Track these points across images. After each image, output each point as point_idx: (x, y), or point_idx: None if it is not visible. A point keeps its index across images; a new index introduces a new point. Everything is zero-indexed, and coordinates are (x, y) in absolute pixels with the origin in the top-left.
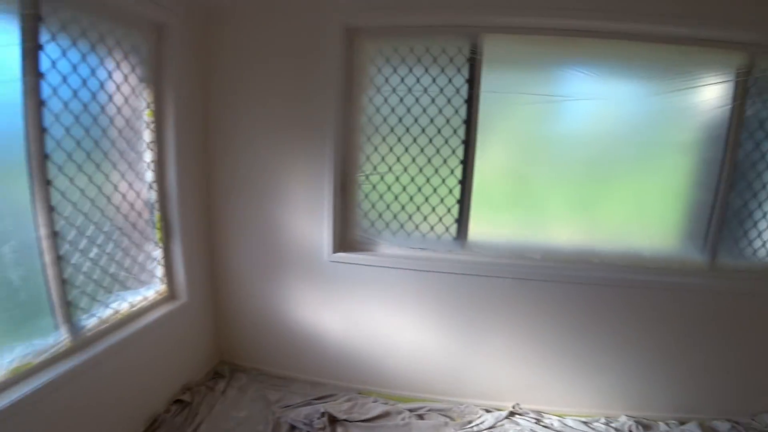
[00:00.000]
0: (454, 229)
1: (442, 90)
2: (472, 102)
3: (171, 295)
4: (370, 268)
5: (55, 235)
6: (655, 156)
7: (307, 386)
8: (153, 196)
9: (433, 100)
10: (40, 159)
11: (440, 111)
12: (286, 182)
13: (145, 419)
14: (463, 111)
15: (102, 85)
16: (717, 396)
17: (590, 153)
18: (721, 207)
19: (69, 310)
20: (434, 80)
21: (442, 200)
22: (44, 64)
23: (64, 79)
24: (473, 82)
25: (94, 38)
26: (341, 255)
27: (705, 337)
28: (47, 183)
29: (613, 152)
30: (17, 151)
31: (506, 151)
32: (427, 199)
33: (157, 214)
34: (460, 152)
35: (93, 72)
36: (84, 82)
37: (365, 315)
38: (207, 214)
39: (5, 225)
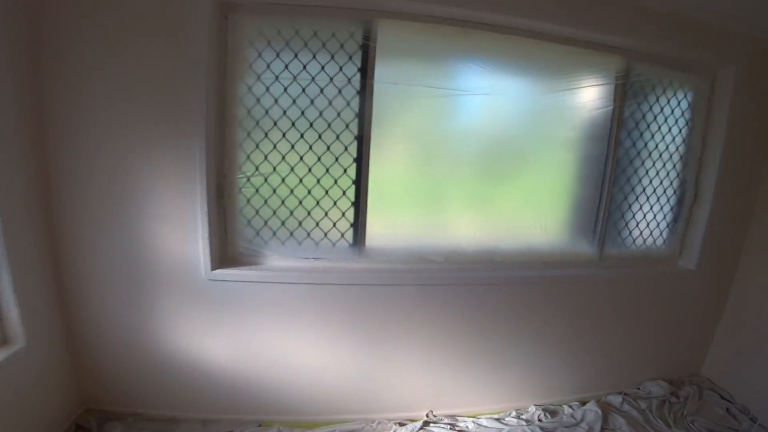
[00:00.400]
0: (350, 234)
1: (332, 79)
2: (365, 94)
3: (1, 339)
4: (257, 285)
5: None
6: (547, 152)
7: (197, 426)
8: None
9: (321, 91)
10: None
11: (330, 103)
12: (150, 187)
13: None
14: (355, 103)
15: None
16: (609, 373)
17: (488, 149)
18: (606, 201)
19: None
20: (323, 68)
21: (335, 203)
22: None
23: None
24: (366, 72)
25: None
26: (222, 272)
27: (597, 321)
28: None
29: (509, 148)
30: None
31: (403, 148)
32: (318, 203)
33: None
34: (353, 149)
35: None
36: None
37: (258, 338)
38: (48, 231)
39: None
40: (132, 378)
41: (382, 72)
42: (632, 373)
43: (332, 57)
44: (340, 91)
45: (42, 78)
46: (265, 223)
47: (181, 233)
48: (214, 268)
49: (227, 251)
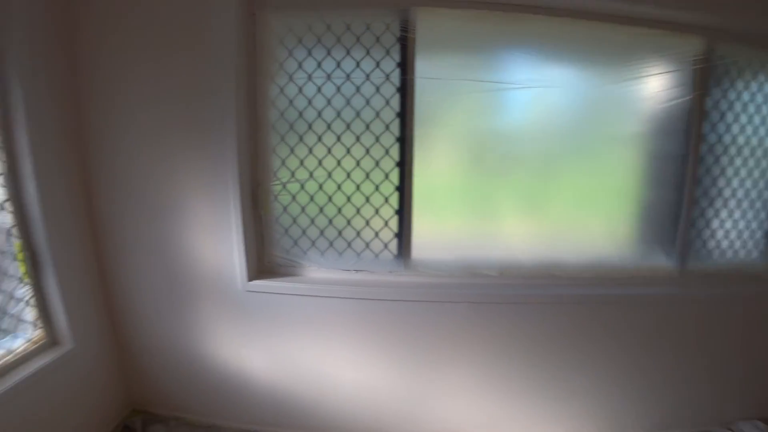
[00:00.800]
0: (394, 245)
1: (368, 76)
2: (406, 91)
3: (52, 341)
4: (296, 298)
5: None
6: (613, 151)
7: None
8: (8, 219)
9: (358, 89)
10: None
11: (368, 102)
12: (185, 196)
13: None
14: (395, 102)
15: None
16: (693, 408)
17: (545, 148)
18: (688, 206)
19: None
20: (358, 64)
21: (377, 211)
22: None
23: None
24: (406, 67)
25: None
26: (259, 283)
27: (677, 348)
28: None
29: (568, 147)
30: None
31: (450, 149)
32: (359, 211)
33: (15, 243)
34: (395, 152)
35: None
36: None
37: (296, 351)
38: (90, 237)
39: None
40: (174, 382)
41: (423, 66)
42: (721, 411)
43: (368, 52)
44: (378, 89)
45: (78, 82)
46: (303, 232)
47: (218, 243)
48: (250, 278)
49: (264, 262)
